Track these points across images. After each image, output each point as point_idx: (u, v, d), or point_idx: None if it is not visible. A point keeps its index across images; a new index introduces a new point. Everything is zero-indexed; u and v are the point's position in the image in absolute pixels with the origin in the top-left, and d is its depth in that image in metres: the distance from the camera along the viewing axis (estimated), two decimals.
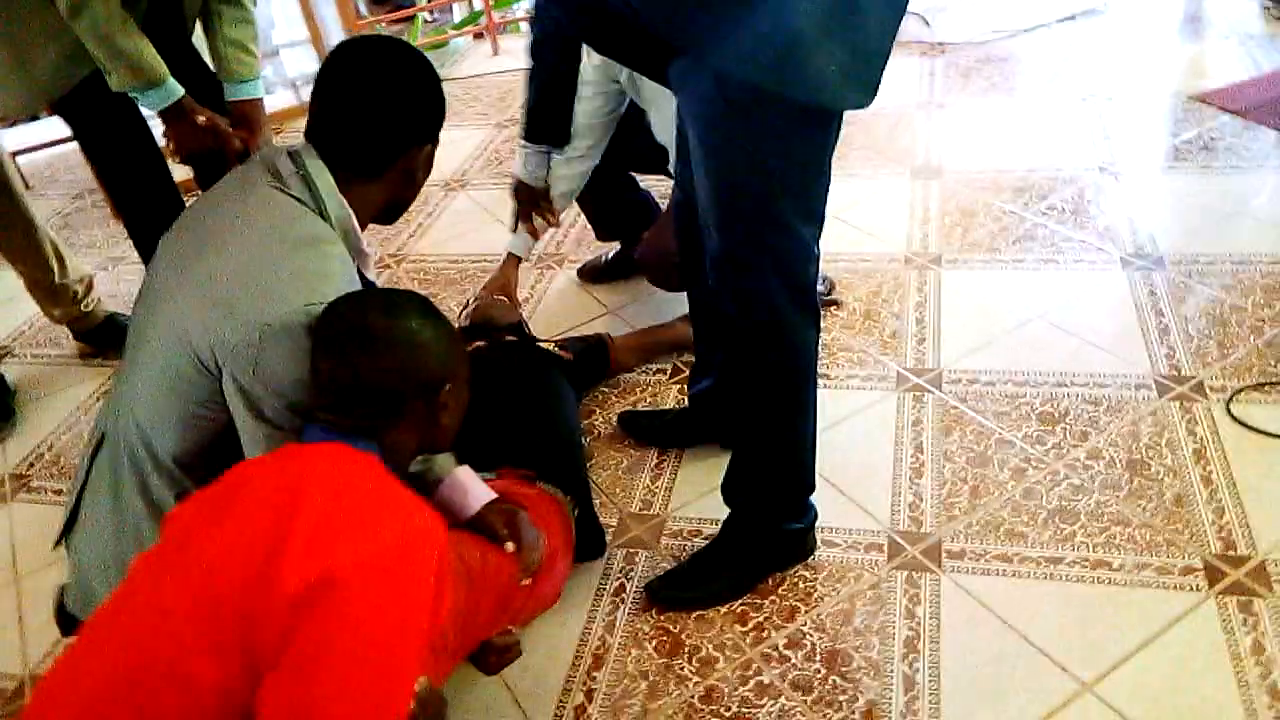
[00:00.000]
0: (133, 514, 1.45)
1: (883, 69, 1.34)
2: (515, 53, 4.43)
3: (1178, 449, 1.94)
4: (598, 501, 2.00)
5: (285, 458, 1.21)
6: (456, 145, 3.65)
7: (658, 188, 2.65)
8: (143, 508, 1.44)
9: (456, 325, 2.32)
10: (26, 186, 3.90)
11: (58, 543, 1.59)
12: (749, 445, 1.74)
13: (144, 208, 2.28)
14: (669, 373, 2.37)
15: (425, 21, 5.20)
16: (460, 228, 3.12)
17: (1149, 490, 1.87)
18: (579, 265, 2.82)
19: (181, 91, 1.95)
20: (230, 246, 1.37)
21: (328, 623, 1.00)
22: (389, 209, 1.54)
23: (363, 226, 1.49)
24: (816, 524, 1.80)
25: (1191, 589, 1.67)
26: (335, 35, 4.46)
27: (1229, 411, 2.01)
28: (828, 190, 1.48)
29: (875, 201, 2.94)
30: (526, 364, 2.12)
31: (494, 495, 1.57)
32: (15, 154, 3.80)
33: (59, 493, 2.27)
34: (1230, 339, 2.21)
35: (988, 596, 1.71)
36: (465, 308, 2.35)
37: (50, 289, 2.59)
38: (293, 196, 1.40)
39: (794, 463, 1.72)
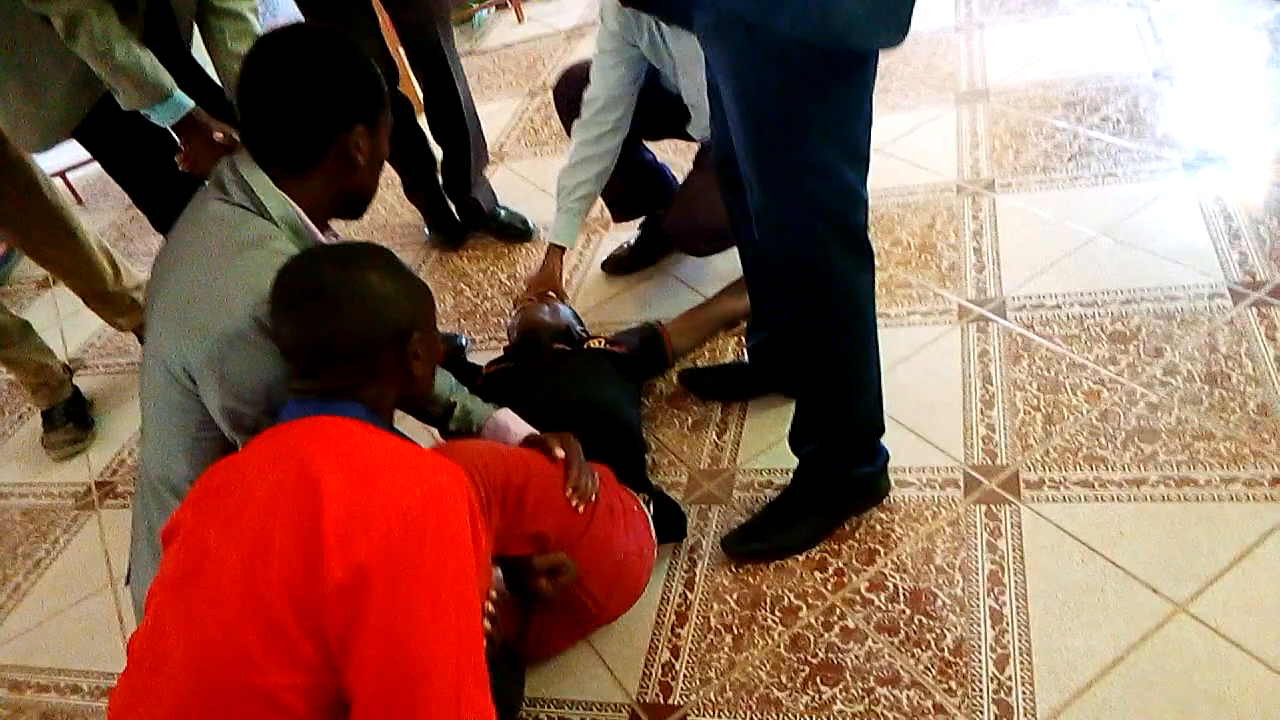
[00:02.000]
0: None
1: (913, 3, 1.29)
2: (540, 18, 4.39)
3: (1258, 358, 1.88)
4: (665, 460, 2.01)
5: (274, 443, 1.17)
6: (492, 119, 3.62)
7: (669, 156, 2.61)
8: None
9: (505, 333, 2.28)
10: (79, 202, 3.99)
11: (127, 581, 1.65)
12: (812, 394, 1.72)
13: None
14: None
15: None
16: (503, 200, 3.10)
17: (1231, 402, 1.81)
18: (603, 259, 2.71)
19: (191, 104, 1.90)
20: (184, 268, 1.39)
21: (388, 602, 0.99)
22: (345, 201, 1.48)
23: (319, 221, 1.45)
24: (889, 465, 1.78)
25: None
26: None
27: None
28: (870, 129, 1.44)
29: (921, 132, 2.87)
30: (578, 373, 2.04)
31: (534, 431, 1.64)
32: (65, 170, 3.87)
33: None
34: None
35: (1070, 524, 1.68)
36: (513, 310, 2.29)
37: (105, 298, 2.65)
38: (235, 204, 1.39)
39: (859, 407, 1.70)
